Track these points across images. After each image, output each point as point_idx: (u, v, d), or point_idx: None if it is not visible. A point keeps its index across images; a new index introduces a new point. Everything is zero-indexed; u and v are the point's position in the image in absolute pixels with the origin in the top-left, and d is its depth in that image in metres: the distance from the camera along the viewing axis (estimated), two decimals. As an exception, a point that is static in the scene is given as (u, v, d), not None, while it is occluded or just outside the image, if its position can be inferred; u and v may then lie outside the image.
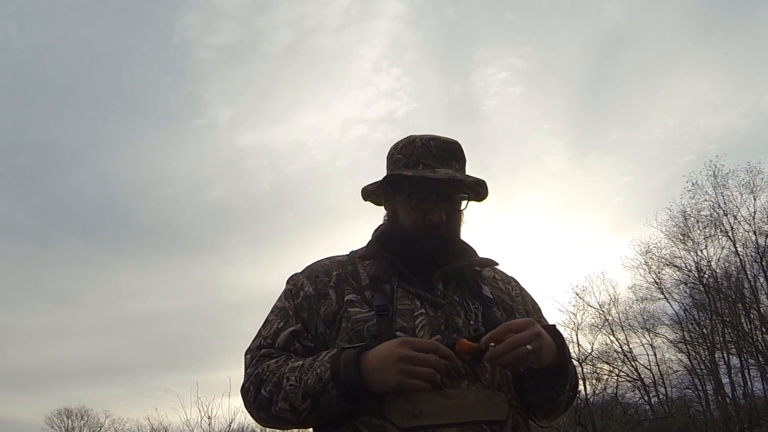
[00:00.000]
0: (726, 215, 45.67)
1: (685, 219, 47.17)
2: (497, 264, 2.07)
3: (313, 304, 1.86)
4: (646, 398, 51.92)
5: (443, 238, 1.91)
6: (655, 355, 52.88)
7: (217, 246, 55.42)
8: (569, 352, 1.87)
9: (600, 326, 51.91)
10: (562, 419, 39.28)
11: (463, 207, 1.98)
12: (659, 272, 50.17)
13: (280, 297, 1.96)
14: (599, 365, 50.91)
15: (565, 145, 53.83)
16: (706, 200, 46.05)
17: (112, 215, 57.52)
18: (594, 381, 48.90)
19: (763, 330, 44.25)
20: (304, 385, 1.65)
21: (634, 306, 52.36)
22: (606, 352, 51.95)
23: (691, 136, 52.54)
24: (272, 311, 1.93)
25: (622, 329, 52.02)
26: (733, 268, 46.48)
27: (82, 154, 56.52)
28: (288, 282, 1.99)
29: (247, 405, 1.79)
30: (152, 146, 56.84)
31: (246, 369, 1.84)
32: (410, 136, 1.98)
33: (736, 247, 45.63)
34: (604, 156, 54.27)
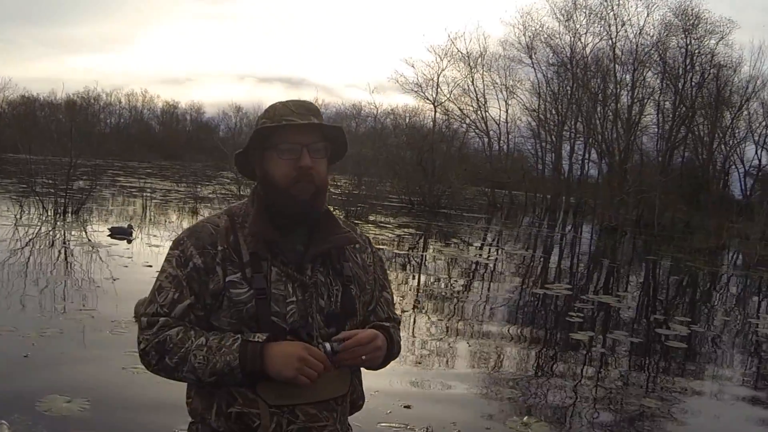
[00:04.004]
0: (615, 17, 46.26)
1: (575, 2, 47.56)
2: (360, 243, 2.28)
3: (203, 277, 2.01)
4: (487, 152, 54.85)
5: (316, 186, 2.07)
6: (507, 112, 55.26)
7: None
8: (398, 348, 2.23)
9: (463, 75, 53.21)
10: (404, 155, 41.04)
11: (325, 156, 2.14)
12: (533, 39, 51.10)
13: (170, 262, 2.09)
14: (452, 108, 52.67)
15: None
16: (600, -3, 46.46)
17: None
18: (444, 128, 50.63)
19: (617, 125, 46.71)
20: (212, 366, 1.92)
21: (500, 61, 53.66)
22: (461, 97, 53.61)
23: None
24: (165, 277, 2.06)
25: (482, 80, 53.54)
26: (606, 61, 47.74)
27: None
28: (176, 246, 2.11)
29: (147, 365, 2.03)
30: None
31: (143, 331, 2.02)
32: (272, 104, 2.17)
33: (614, 47, 46.66)
34: None
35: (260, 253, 2.05)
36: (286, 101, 2.15)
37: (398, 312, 2.46)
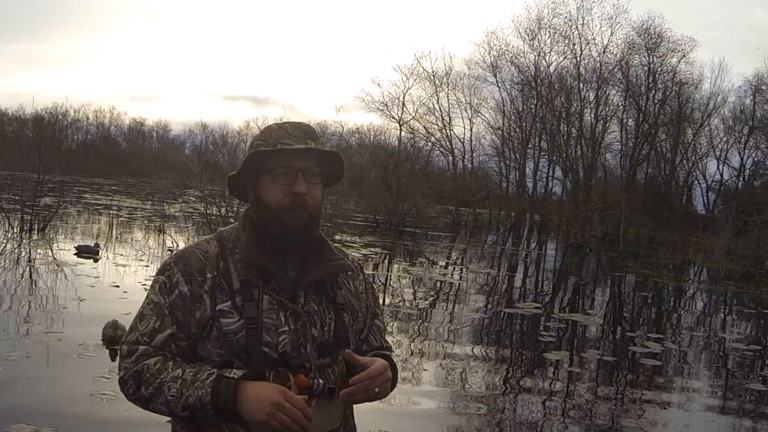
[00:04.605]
0: (579, 36, 46.89)
1: (539, 21, 48.16)
2: (353, 270, 2.22)
3: (188, 306, 1.95)
4: (452, 171, 55.19)
5: (309, 212, 2.01)
6: (471, 130, 55.72)
7: None
8: (397, 376, 2.16)
9: (429, 94, 53.68)
10: (369, 174, 41.07)
11: (321, 181, 2.08)
12: (498, 58, 51.62)
13: (155, 288, 2.01)
14: (417, 127, 53.03)
15: None
16: (565, 16, 47.14)
17: None
18: (409, 146, 50.88)
19: (581, 143, 47.19)
20: (185, 400, 1.84)
21: (465, 80, 54.21)
22: (426, 116, 54.06)
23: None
24: (147, 303, 2.00)
25: (447, 99, 54.02)
26: (570, 79, 48.31)
27: None
28: (162, 272, 2.04)
29: (125, 394, 1.96)
30: None
31: (123, 359, 1.96)
32: (268, 125, 2.13)
33: (578, 65, 47.24)
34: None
35: (252, 280, 1.99)
36: (283, 123, 2.10)
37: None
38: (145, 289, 9.16)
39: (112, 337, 7.55)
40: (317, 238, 2.11)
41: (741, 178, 50.00)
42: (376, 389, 1.95)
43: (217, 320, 1.94)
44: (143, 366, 1.92)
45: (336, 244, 2.23)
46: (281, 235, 2.01)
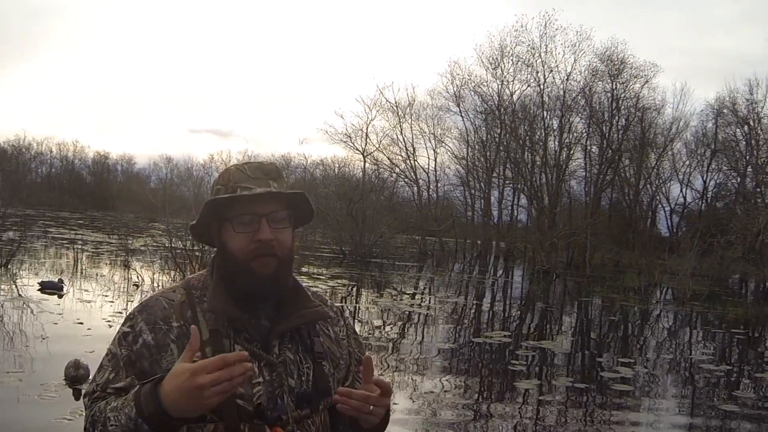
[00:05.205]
0: (543, 64, 47.38)
1: (502, 50, 48.67)
2: (330, 317, 2.10)
3: (154, 355, 1.87)
4: (417, 201, 55.40)
5: (279, 259, 1.91)
6: (435, 161, 56.06)
7: None
8: (388, 420, 1.99)
9: (392, 125, 54.04)
10: (334, 206, 41.04)
11: (288, 225, 1.97)
12: (461, 87, 52.05)
13: (116, 340, 1.93)
14: (381, 158, 53.33)
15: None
16: (528, 44, 47.67)
17: None
18: (374, 177, 51.08)
19: (546, 170, 47.57)
20: (120, 424, 1.74)
21: (428, 110, 54.65)
22: (390, 147, 54.39)
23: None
24: (107, 354, 1.93)
25: (411, 130, 54.39)
26: (533, 107, 48.74)
27: None
28: (126, 321, 1.95)
29: None
30: None
31: (86, 410, 1.89)
32: (226, 168, 2.00)
33: (542, 93, 47.67)
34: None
35: (221, 330, 1.89)
36: (242, 164, 1.98)
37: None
38: (110, 326, 9.08)
39: (75, 377, 7.42)
40: (291, 286, 2.01)
41: (704, 201, 50.80)
42: (371, 407, 1.83)
43: None
44: (95, 408, 1.85)
45: (313, 288, 2.15)
46: (250, 287, 1.91)
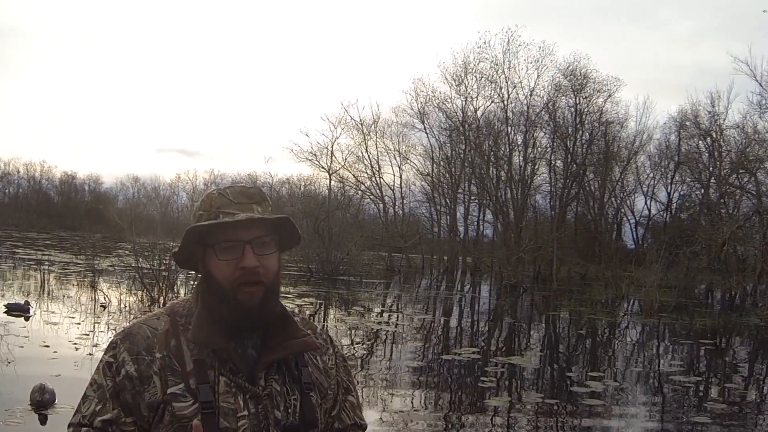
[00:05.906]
0: (506, 80, 47.69)
1: (466, 66, 48.95)
2: (319, 347, 2.04)
3: (137, 387, 1.80)
4: (383, 218, 55.49)
5: (266, 286, 1.85)
6: (401, 177, 56.25)
7: None
8: None
9: (357, 143, 54.19)
10: (300, 224, 40.96)
11: (274, 250, 1.90)
12: (426, 104, 52.30)
13: (99, 369, 1.87)
14: (347, 175, 53.42)
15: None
16: (491, 60, 47.96)
17: None
18: (340, 195, 51.14)
19: (511, 185, 47.82)
20: None
21: (393, 127, 54.86)
22: (356, 164, 54.51)
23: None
24: (91, 384, 1.87)
25: (376, 147, 54.56)
26: (497, 123, 48.99)
27: None
28: (108, 350, 1.89)
29: None
30: None
31: None
32: (208, 192, 1.95)
33: (506, 109, 47.98)
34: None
35: (206, 361, 1.83)
36: (224, 189, 1.92)
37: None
38: (76, 349, 9.01)
39: (40, 401, 7.36)
40: (279, 312, 1.95)
41: (668, 212, 51.35)
42: None
43: (170, 404, 1.78)
44: None
45: (303, 318, 2.10)
46: (236, 316, 1.84)
